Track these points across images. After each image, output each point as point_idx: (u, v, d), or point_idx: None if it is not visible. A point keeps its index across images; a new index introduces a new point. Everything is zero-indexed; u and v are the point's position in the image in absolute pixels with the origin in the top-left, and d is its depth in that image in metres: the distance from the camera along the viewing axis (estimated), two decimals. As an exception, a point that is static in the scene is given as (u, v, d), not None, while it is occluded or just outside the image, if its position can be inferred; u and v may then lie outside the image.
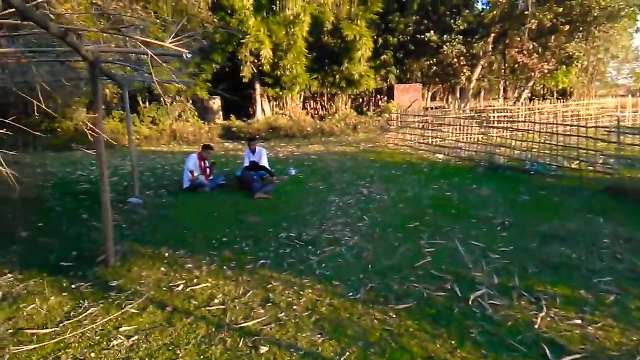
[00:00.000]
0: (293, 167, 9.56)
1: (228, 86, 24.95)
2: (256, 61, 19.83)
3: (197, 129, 18.77)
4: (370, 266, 4.02)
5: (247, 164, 8.82)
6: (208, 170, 8.19)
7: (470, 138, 11.80)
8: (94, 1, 15.46)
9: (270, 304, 3.36)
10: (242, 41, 18.05)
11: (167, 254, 4.47)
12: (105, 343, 2.86)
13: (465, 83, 26.30)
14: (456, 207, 6.08)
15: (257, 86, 21.06)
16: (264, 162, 8.91)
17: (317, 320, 3.11)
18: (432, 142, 12.46)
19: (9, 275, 3.95)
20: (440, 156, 11.08)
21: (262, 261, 4.22)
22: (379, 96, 26.90)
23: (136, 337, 2.91)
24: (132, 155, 7.58)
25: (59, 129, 18.32)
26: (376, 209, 6.13)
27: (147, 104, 20.08)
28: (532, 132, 10.70)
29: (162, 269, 4.10)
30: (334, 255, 4.33)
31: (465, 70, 25.10)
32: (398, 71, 26.22)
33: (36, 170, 10.89)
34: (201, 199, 7.21)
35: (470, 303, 3.31)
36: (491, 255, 4.28)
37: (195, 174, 7.90)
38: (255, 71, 20.01)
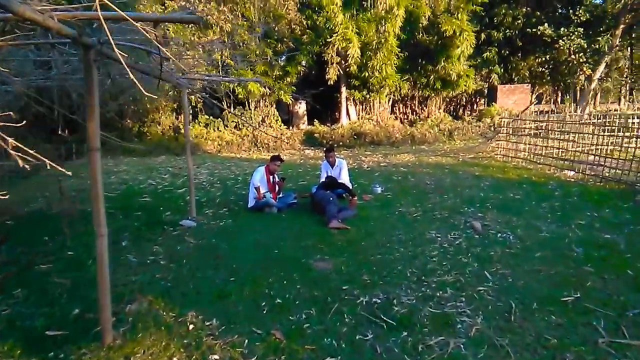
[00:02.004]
0: (379, 184, 7.87)
1: (313, 89, 24.05)
2: (343, 62, 18.44)
3: (279, 134, 17.85)
4: (518, 399, 2.22)
5: (323, 178, 7.36)
6: (276, 186, 6.83)
7: (600, 150, 9.15)
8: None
9: None
10: (329, 40, 16.74)
11: (191, 325, 3.06)
12: None
13: (585, 83, 22.44)
14: (631, 264, 3.95)
15: (343, 89, 19.66)
16: (344, 177, 7.37)
17: None
18: (556, 153, 9.96)
19: (-28, 350, 2.81)
20: (570, 173, 8.62)
21: (327, 359, 2.62)
22: (475, 98, 24.10)
23: None
24: (189, 168, 6.45)
25: (147, 133, 18.44)
26: (500, 258, 4.21)
27: (232, 108, 19.68)
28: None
29: (176, 357, 2.68)
30: (446, 359, 2.59)
31: (585, 68, 21.35)
32: (502, 70, 23.17)
33: (109, 178, 10.47)
34: (264, 224, 5.83)
35: None
36: None
37: (262, 191, 6.57)
38: (341, 72, 18.62)
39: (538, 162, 9.87)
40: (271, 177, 6.76)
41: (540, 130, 11.18)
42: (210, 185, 9.12)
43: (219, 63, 17.44)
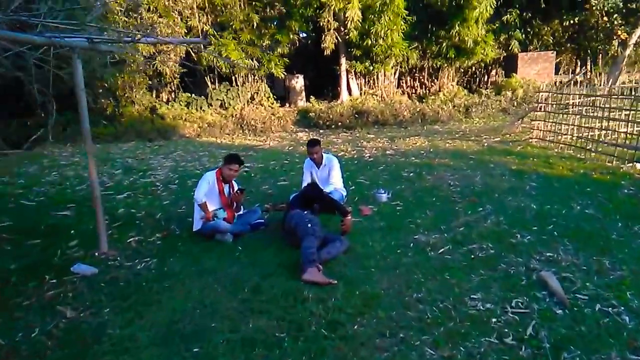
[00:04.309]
0: (384, 188, 5.68)
1: (309, 62, 21.57)
2: (341, 28, 15.96)
3: (269, 114, 15.55)
4: None
5: (305, 183, 5.22)
6: (233, 201, 4.66)
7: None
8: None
9: None
10: (324, 1, 14.21)
11: None
12: None
13: (618, 49, 19.74)
14: None
15: (342, 60, 17.21)
16: (335, 181, 5.24)
17: None
18: (604, 136, 7.71)
19: None
20: (642, 167, 6.39)
21: None
22: (491, 69, 21.48)
23: None
24: (90, 171, 4.22)
25: (122, 114, 16.12)
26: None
27: (217, 84, 17.37)
28: None
29: None
30: None
31: (620, 32, 18.67)
32: (522, 35, 20.43)
33: (50, 174, 8.37)
34: (204, 269, 3.69)
35: None
36: None
37: (211, 209, 4.44)
38: (340, 41, 16.16)
39: (585, 147, 7.59)
40: (225, 186, 4.59)
41: (584, 107, 8.88)
42: (165, 186, 6.97)
43: (198, 31, 15.13)
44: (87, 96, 4.19)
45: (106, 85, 15.46)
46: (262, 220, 4.69)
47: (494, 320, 2.66)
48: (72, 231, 4.86)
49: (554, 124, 8.86)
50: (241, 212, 4.74)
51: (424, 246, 3.88)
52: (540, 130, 9.05)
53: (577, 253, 3.56)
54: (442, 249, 3.77)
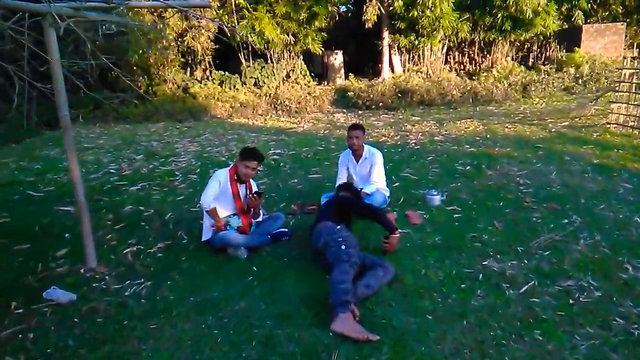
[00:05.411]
0: (436, 189, 4.65)
1: (350, 37, 20.30)
2: (384, -1, 14.61)
3: (305, 93, 14.55)
4: None
5: (340, 181, 4.30)
6: (249, 207, 3.77)
7: None
8: None
9: None
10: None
11: None
12: None
13: None
14: None
15: (385, 34, 15.86)
16: (376, 178, 4.26)
17: None
18: None
19: None
20: None
21: None
22: (550, 43, 19.34)
23: None
24: (72, 170, 3.42)
25: (155, 93, 15.56)
26: None
27: (251, 61, 16.49)
28: None
29: None
30: None
31: None
32: (588, 4, 18.17)
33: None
34: (206, 300, 2.86)
35: None
36: None
37: (222, 216, 3.59)
38: (383, 12, 14.82)
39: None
40: (241, 188, 3.71)
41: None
42: (184, 177, 6.23)
43: (231, 4, 14.21)
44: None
45: (136, 61, 14.86)
46: (286, 230, 3.80)
47: None
48: (66, 234, 4.17)
49: (639, 106, 7.39)
50: (260, 219, 3.86)
51: (498, 280, 2.86)
52: (621, 114, 7.60)
53: None
54: (525, 287, 2.74)
